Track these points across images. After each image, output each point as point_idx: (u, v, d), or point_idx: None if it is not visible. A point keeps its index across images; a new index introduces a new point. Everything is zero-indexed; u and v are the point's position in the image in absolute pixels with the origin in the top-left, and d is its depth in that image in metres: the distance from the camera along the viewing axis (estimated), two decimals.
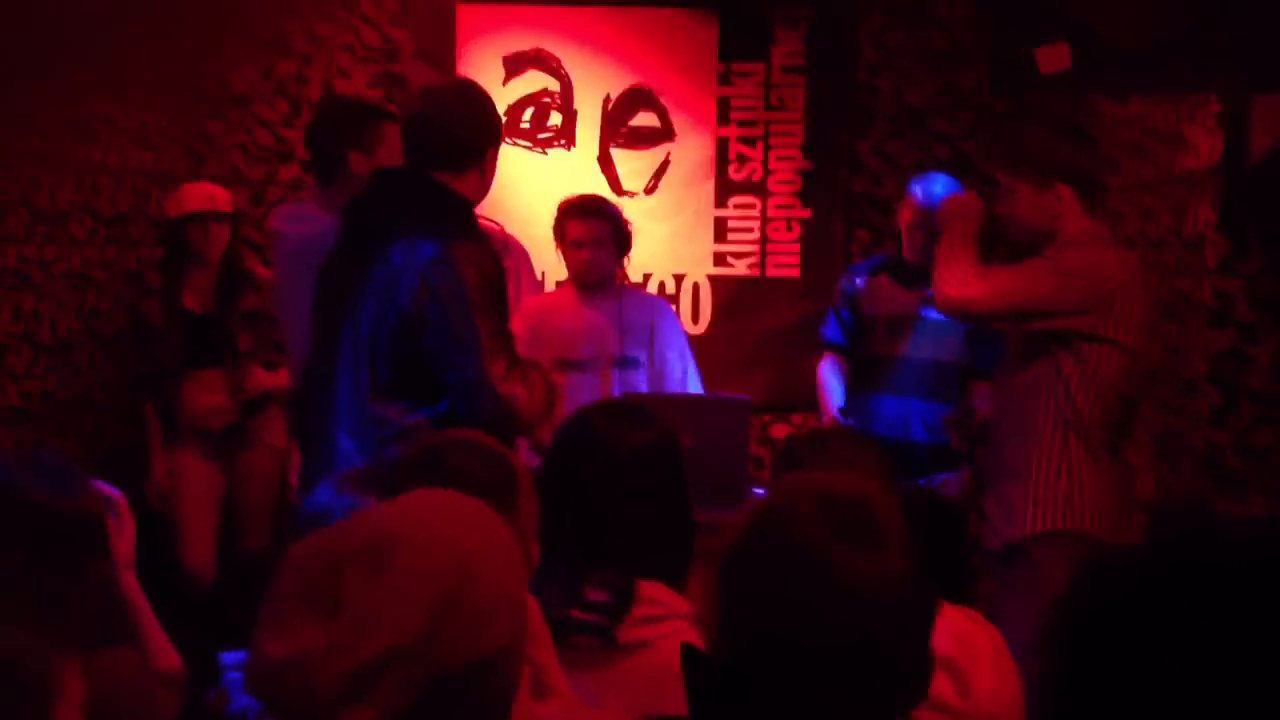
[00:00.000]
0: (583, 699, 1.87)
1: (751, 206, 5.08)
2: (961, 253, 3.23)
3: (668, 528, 2.09)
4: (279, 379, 4.30)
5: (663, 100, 5.06)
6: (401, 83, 4.86)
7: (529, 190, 4.93)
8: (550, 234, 4.23)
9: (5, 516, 1.75)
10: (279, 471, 4.37)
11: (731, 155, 5.07)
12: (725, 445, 3.58)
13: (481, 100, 3.05)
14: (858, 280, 4.20)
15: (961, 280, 3.17)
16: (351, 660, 1.16)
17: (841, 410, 4.09)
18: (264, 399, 4.40)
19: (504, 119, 4.88)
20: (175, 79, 4.88)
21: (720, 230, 5.09)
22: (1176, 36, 3.28)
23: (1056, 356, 3.13)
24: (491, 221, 3.58)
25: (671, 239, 5.07)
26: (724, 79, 5.05)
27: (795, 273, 5.07)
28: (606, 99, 5.06)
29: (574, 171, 5.01)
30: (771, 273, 5.08)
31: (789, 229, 5.07)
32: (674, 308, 4.71)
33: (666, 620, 1.98)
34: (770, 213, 5.07)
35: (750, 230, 5.08)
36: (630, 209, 4.58)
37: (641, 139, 5.08)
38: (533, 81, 5.06)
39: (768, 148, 5.06)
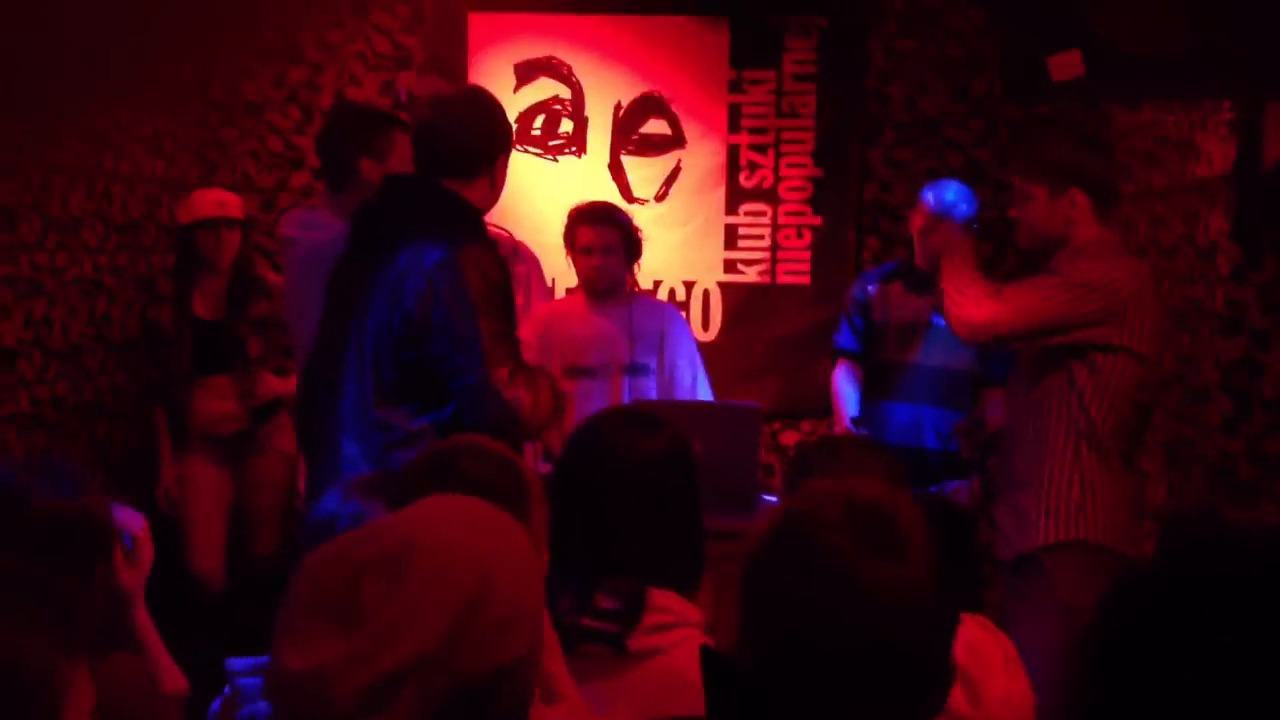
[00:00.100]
0: (592, 707, 1.86)
1: (762, 214, 5.08)
2: (968, 278, 3.22)
3: (679, 535, 2.08)
4: (289, 385, 4.30)
5: (674, 107, 5.06)
6: (394, 93, 4.86)
7: (540, 197, 4.93)
8: (561, 241, 4.23)
9: (8, 520, 1.75)
10: (288, 477, 4.38)
11: (742, 162, 5.07)
12: (735, 452, 3.57)
13: (491, 108, 3.05)
14: (870, 287, 4.20)
15: (975, 303, 3.15)
16: (371, 672, 1.15)
17: (855, 420, 4.08)
18: (274, 405, 4.41)
19: (515, 126, 4.90)
20: (187, 86, 4.89)
21: (731, 237, 5.09)
22: (1189, 44, 3.27)
23: (1070, 367, 3.12)
24: (500, 229, 3.58)
25: (682, 246, 5.07)
26: (735, 86, 5.05)
27: (806, 280, 5.06)
28: (617, 106, 5.07)
29: (585, 178, 5.02)
30: (782, 280, 5.08)
31: (800, 236, 5.07)
32: (684, 315, 4.70)
33: (677, 628, 1.97)
34: (781, 220, 5.07)
35: (761, 237, 5.08)
36: (641, 216, 4.58)
37: (652, 146, 5.08)
38: (544, 89, 5.07)
39: (779, 155, 5.06)
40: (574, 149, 5.08)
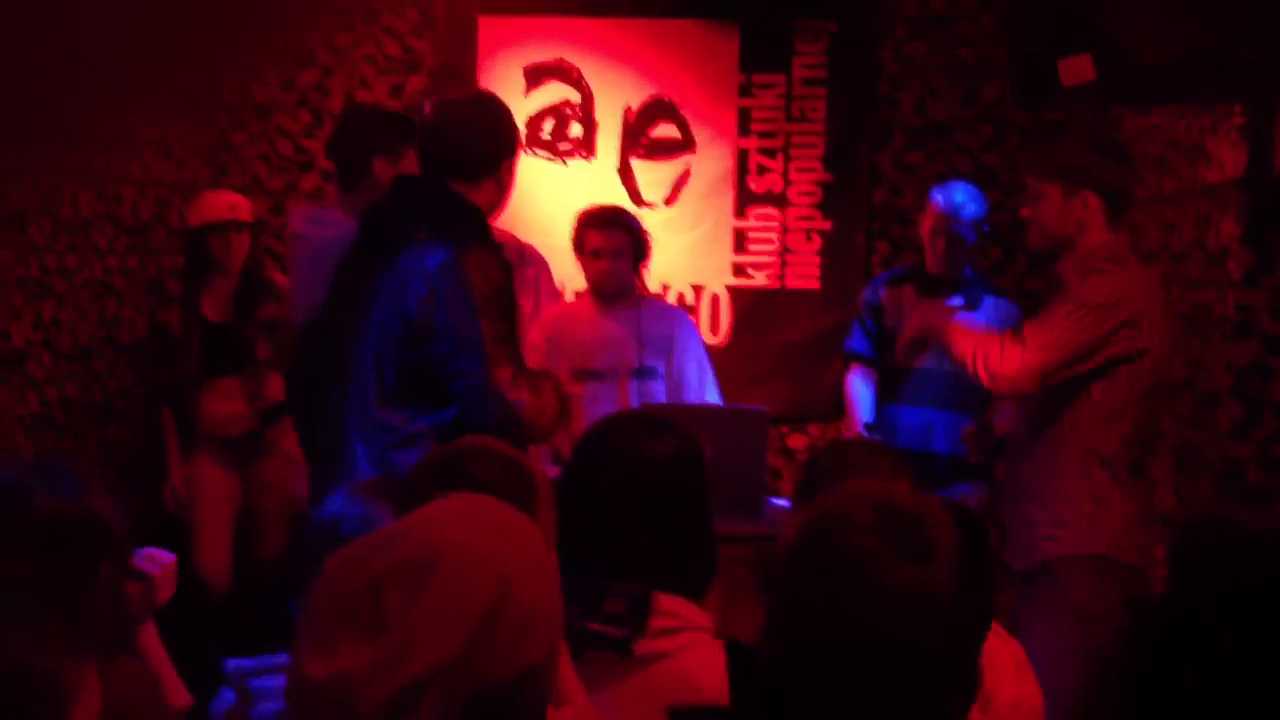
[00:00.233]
0: (599, 711, 1.85)
1: (771, 218, 5.07)
2: (971, 340, 3.17)
3: (688, 540, 2.07)
4: None
5: (683, 112, 5.06)
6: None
7: (549, 201, 4.93)
8: (570, 244, 4.23)
9: (11, 521, 1.75)
10: (296, 480, 4.38)
11: (752, 166, 5.07)
12: (742, 456, 3.56)
13: (497, 111, 3.05)
14: (880, 291, 4.20)
15: (998, 359, 3.09)
16: (395, 680, 1.15)
17: (868, 426, 4.07)
18: (282, 407, 4.41)
19: (524, 130, 4.91)
20: (198, 90, 4.90)
21: (740, 241, 5.08)
22: (1200, 48, 3.26)
23: (1087, 378, 3.10)
24: (506, 233, 3.58)
25: (691, 250, 5.06)
26: (745, 90, 5.05)
27: (815, 284, 5.06)
28: (627, 110, 5.07)
29: (594, 182, 5.02)
30: (791, 284, 5.07)
31: (809, 240, 5.06)
32: (693, 319, 4.70)
33: (684, 632, 1.96)
34: (790, 224, 5.07)
35: (770, 242, 5.07)
36: (650, 220, 4.58)
37: (662, 150, 5.08)
38: (554, 92, 5.07)
39: (788, 159, 5.06)
40: (583, 152, 5.08)
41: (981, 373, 3.12)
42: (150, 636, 2.15)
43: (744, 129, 5.06)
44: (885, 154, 5.04)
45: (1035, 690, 2.03)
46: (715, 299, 5.09)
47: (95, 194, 4.34)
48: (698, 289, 5.09)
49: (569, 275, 4.62)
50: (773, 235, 5.07)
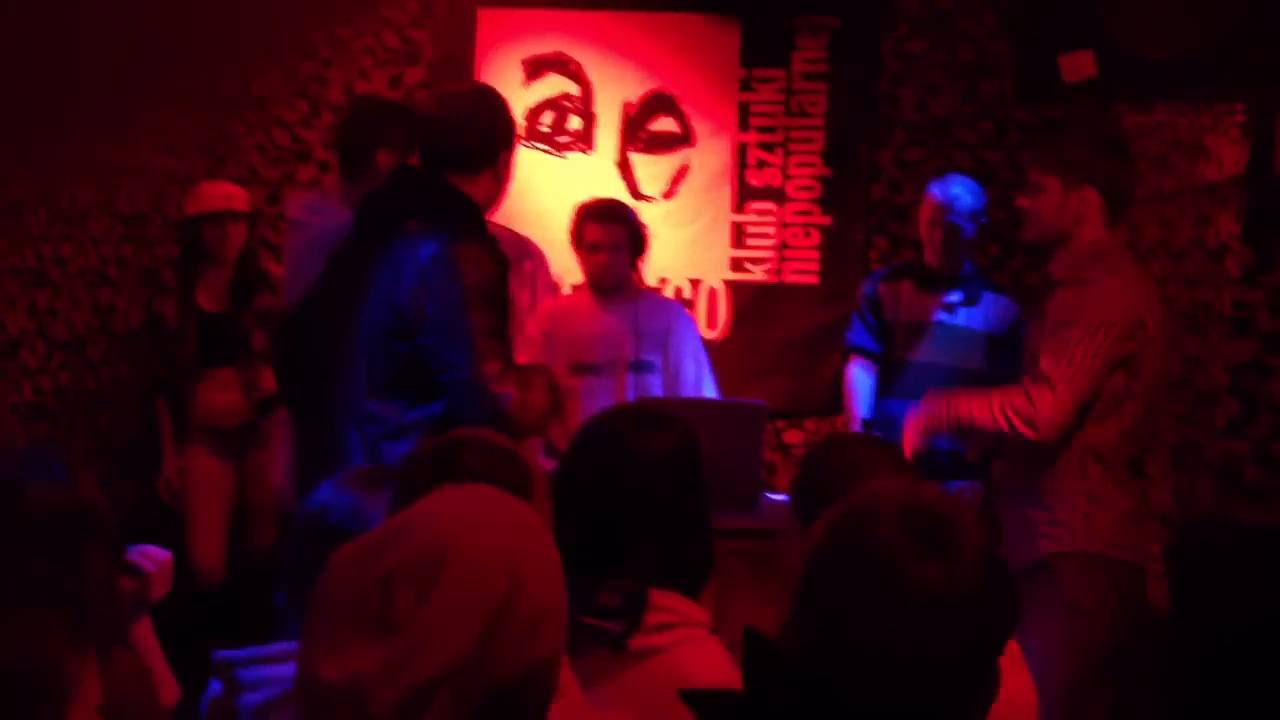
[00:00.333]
0: (593, 705, 1.84)
1: (770, 213, 5.06)
2: (987, 405, 3.10)
3: (685, 535, 2.06)
4: None
5: (683, 106, 5.05)
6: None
7: (547, 194, 4.92)
8: (567, 237, 4.22)
9: (3, 513, 1.74)
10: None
11: (751, 161, 5.06)
12: (739, 450, 3.56)
13: (494, 104, 3.04)
14: (880, 285, 4.20)
15: (1028, 408, 3.03)
16: (408, 681, 1.15)
17: (866, 422, 4.07)
18: (277, 398, 4.40)
19: (523, 122, 4.90)
20: (196, 80, 4.88)
21: (738, 236, 5.07)
22: (1201, 46, 3.25)
23: None
24: (505, 229, 3.57)
25: (689, 244, 5.05)
26: (745, 85, 5.04)
27: (814, 279, 5.05)
28: (626, 103, 5.06)
29: (592, 175, 5.01)
30: (789, 279, 5.06)
31: (807, 235, 5.05)
32: (690, 313, 4.69)
33: (679, 628, 1.96)
34: (789, 219, 5.06)
35: (768, 236, 5.06)
36: (648, 213, 4.57)
37: (661, 144, 5.07)
38: (553, 85, 5.06)
39: (787, 154, 5.05)
40: (582, 146, 5.07)
41: (1021, 427, 3.04)
42: (145, 631, 2.14)
43: (744, 123, 5.05)
44: (885, 150, 5.03)
45: (1029, 685, 2.02)
46: (713, 293, 5.08)
47: (93, 185, 4.33)
48: (696, 283, 5.08)
49: (566, 268, 4.60)
50: (771, 230, 5.06)
